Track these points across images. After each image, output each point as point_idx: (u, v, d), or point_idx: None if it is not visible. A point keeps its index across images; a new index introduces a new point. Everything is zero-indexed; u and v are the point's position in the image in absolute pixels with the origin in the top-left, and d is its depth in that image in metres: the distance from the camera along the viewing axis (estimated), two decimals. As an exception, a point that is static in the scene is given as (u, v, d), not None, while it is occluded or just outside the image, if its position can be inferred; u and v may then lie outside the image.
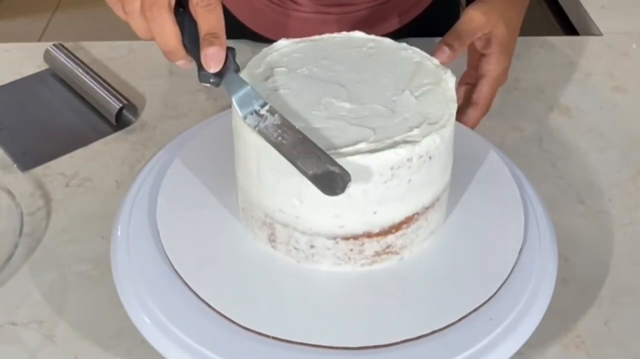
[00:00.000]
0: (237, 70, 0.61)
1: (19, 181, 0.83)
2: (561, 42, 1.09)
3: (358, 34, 0.71)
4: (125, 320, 0.63)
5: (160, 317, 0.61)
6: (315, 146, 0.58)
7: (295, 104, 0.63)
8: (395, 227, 0.63)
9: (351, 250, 0.63)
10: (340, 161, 0.57)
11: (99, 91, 0.92)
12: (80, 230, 0.77)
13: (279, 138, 0.59)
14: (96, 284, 0.72)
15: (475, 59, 0.82)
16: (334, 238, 0.62)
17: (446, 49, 0.75)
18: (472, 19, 0.79)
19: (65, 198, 0.81)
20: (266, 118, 0.60)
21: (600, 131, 0.91)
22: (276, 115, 0.60)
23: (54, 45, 0.98)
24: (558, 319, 0.68)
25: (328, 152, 0.58)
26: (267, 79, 0.66)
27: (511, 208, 0.70)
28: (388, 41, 0.70)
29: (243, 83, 0.61)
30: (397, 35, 0.99)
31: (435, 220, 0.66)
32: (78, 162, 0.86)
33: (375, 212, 0.61)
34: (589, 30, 1.11)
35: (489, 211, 0.70)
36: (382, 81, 0.66)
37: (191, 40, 0.60)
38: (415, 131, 0.60)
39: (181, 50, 0.61)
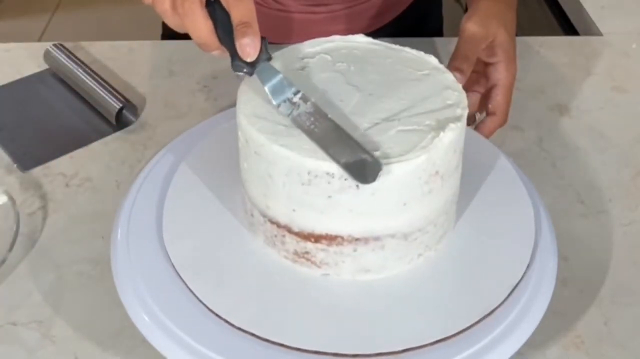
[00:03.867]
0: (269, 59, 0.62)
1: (19, 180, 0.83)
2: (561, 42, 1.09)
3: (421, 54, 0.69)
4: (125, 320, 0.63)
5: (160, 317, 0.61)
6: (347, 134, 0.59)
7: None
8: (315, 238, 0.62)
9: (275, 236, 0.64)
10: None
11: (99, 90, 0.92)
12: (80, 230, 0.77)
13: (312, 126, 0.60)
14: (96, 284, 0.72)
15: (481, 66, 0.81)
16: (264, 216, 0.64)
17: (458, 75, 0.72)
18: (473, 34, 0.78)
19: (65, 198, 0.81)
20: (299, 106, 0.61)
21: (600, 131, 0.91)
22: (309, 103, 0.61)
23: (54, 45, 0.98)
24: (558, 319, 0.68)
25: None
26: (301, 68, 0.67)
27: (519, 227, 0.69)
28: (434, 60, 0.68)
29: (275, 72, 0.62)
30: (381, 32, 0.99)
31: (373, 261, 0.63)
32: (78, 162, 0.86)
33: (294, 210, 0.61)
34: (589, 30, 1.11)
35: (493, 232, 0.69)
36: (400, 97, 0.64)
37: (224, 31, 0.61)
38: (376, 154, 0.59)
39: (215, 42, 0.62)
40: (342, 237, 0.62)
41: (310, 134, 0.59)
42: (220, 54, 0.63)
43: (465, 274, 0.65)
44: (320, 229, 0.62)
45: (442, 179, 0.62)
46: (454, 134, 0.61)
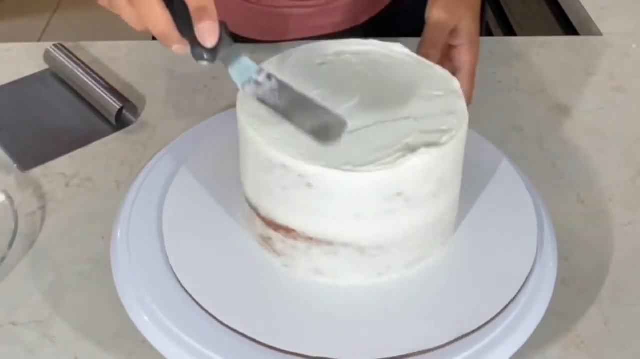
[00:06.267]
0: (230, 44, 0.61)
1: (19, 181, 0.83)
2: (561, 42, 1.09)
3: (447, 74, 0.69)
4: (125, 320, 0.63)
5: (160, 317, 0.62)
6: (312, 101, 0.59)
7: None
8: (275, 226, 0.63)
9: (249, 217, 0.66)
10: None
11: (99, 91, 0.92)
12: (80, 230, 0.77)
13: (277, 101, 0.59)
14: (96, 284, 0.72)
15: (445, 49, 0.80)
16: (245, 197, 0.66)
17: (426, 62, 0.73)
18: (438, 19, 0.78)
19: (65, 198, 0.81)
20: (264, 85, 0.60)
21: (600, 131, 0.91)
22: (273, 79, 0.60)
23: (54, 45, 0.98)
24: (558, 319, 0.68)
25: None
26: (321, 63, 0.68)
27: (523, 232, 0.68)
28: (456, 84, 0.67)
29: (238, 54, 0.61)
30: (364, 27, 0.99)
31: (326, 265, 0.63)
32: (78, 162, 0.86)
33: (259, 195, 0.64)
34: (589, 30, 1.11)
35: (497, 231, 0.69)
36: (398, 112, 0.64)
37: (183, 22, 0.59)
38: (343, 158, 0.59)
39: (175, 33, 0.60)
40: (296, 232, 0.62)
41: (275, 108, 0.59)
42: (179, 49, 0.61)
43: (467, 278, 0.65)
44: (279, 219, 0.62)
45: (408, 202, 0.60)
46: (424, 159, 0.59)
